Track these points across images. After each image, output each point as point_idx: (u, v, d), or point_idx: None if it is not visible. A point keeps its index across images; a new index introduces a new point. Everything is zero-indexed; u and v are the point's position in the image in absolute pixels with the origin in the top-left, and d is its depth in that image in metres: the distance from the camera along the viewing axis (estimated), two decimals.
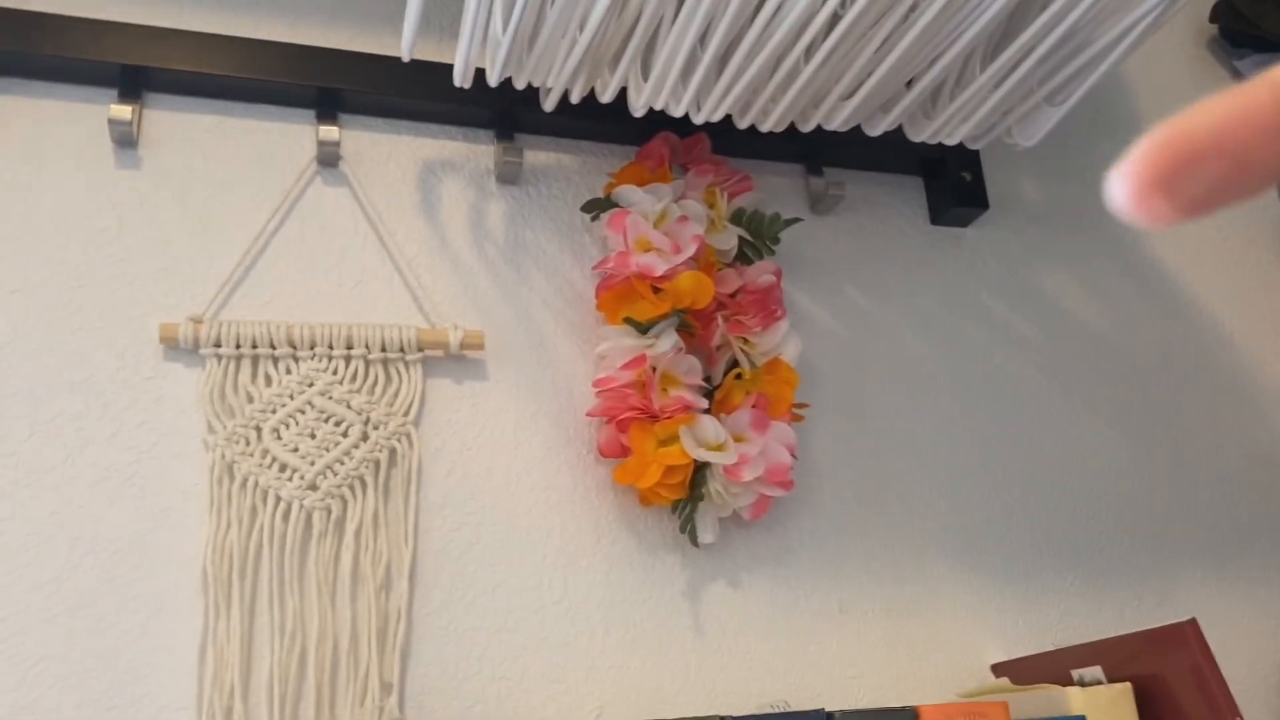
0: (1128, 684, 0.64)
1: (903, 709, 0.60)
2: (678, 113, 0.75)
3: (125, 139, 0.75)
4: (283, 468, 0.70)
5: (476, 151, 0.85)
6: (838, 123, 0.79)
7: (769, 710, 0.72)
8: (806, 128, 0.79)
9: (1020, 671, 0.77)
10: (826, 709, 0.64)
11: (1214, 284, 1.04)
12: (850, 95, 0.76)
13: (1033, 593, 0.85)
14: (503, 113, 0.84)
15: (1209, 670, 0.61)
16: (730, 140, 0.87)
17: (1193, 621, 0.62)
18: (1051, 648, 0.80)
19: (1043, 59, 0.74)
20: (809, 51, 0.71)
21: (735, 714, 0.66)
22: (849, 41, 0.70)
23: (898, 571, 0.82)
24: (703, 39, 0.70)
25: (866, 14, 0.67)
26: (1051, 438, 0.91)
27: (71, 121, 0.76)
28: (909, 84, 0.78)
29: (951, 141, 0.82)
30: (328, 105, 0.81)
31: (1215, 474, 0.95)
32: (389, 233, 0.80)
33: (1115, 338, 0.98)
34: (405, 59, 0.70)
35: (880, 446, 0.86)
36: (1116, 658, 0.68)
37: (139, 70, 0.76)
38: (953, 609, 0.82)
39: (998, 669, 0.80)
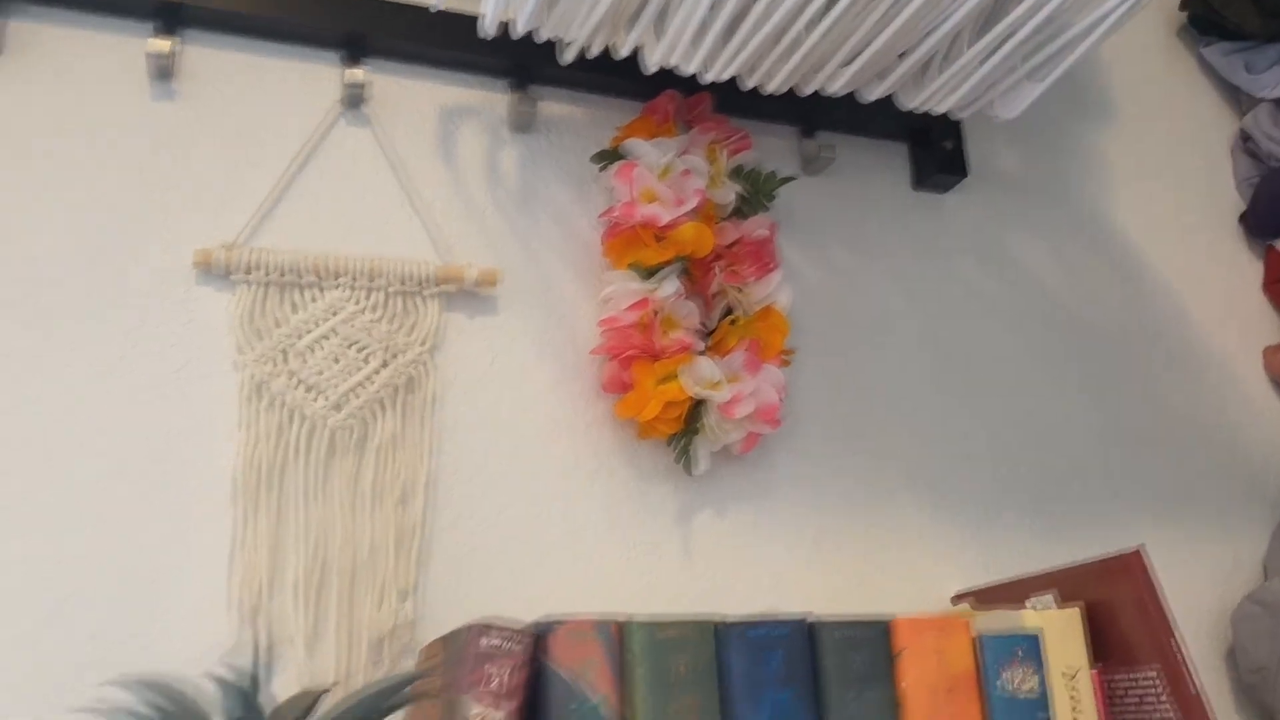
0: (1078, 607, 0.71)
1: (878, 619, 0.67)
2: (688, 72, 0.80)
3: (163, 72, 0.79)
4: (309, 389, 0.74)
5: (491, 100, 0.89)
6: (836, 87, 0.84)
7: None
8: (806, 91, 0.84)
9: (979, 600, 0.84)
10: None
11: (1169, 256, 1.11)
12: (849, 62, 0.81)
13: (993, 531, 0.92)
14: (517, 63, 0.88)
15: (1150, 595, 0.68)
16: (729, 100, 0.92)
17: (1139, 550, 0.69)
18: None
19: (1027, 38, 0.79)
20: (814, 20, 0.76)
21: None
22: (852, 12, 0.75)
23: (870, 507, 0.89)
24: (715, 4, 0.75)
25: None
26: (1014, 391, 0.98)
27: (109, 52, 0.79)
28: (901, 56, 0.83)
29: (939, 110, 0.88)
30: (354, 48, 0.85)
31: (1162, 429, 1.03)
32: (408, 173, 0.84)
33: (1077, 301, 1.05)
34: (434, 8, 0.74)
35: (858, 393, 0.92)
36: (1069, 585, 0.76)
37: (176, 6, 0.79)
38: (919, 543, 0.89)
39: (957, 598, 0.87)
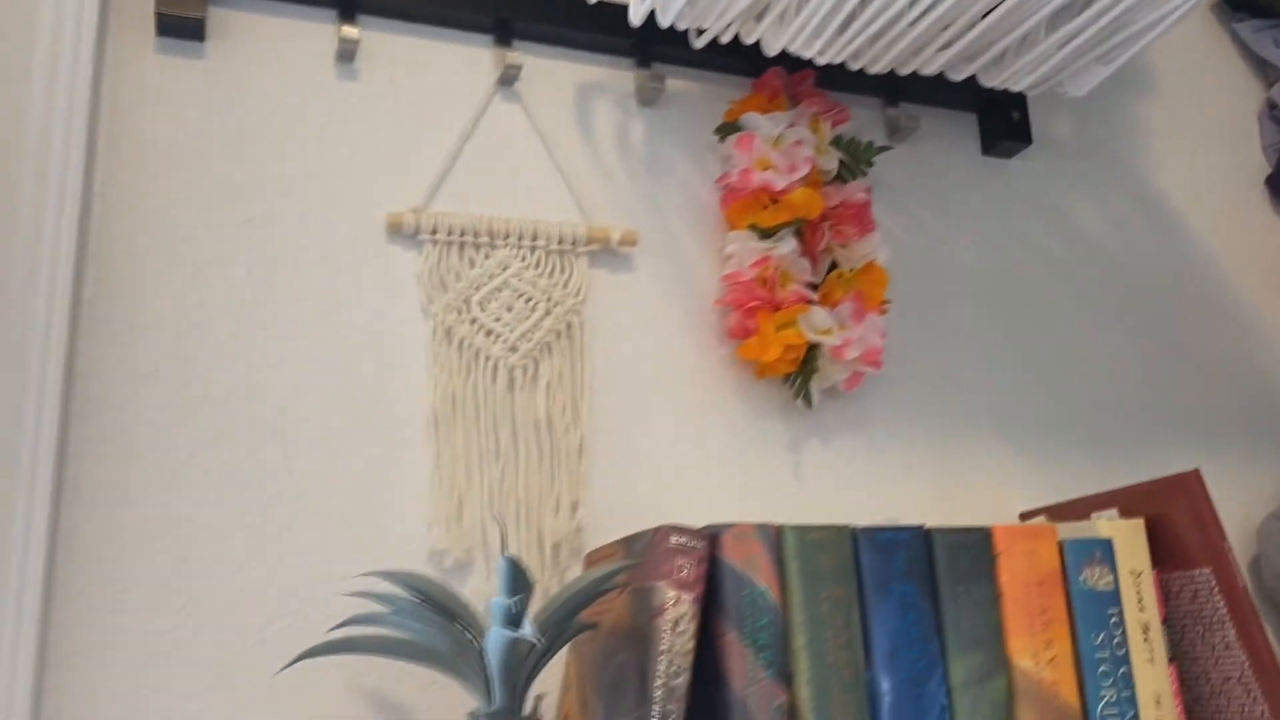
0: (1142, 520, 0.85)
1: (980, 528, 0.80)
2: (807, 56, 0.91)
3: (346, 55, 0.90)
4: (489, 333, 0.87)
5: (619, 77, 1.00)
6: (931, 69, 0.95)
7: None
8: (904, 72, 0.96)
9: (1048, 515, 0.97)
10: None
11: (1203, 214, 1.23)
12: (945, 48, 0.93)
13: (1055, 458, 1.06)
14: (640, 44, 0.99)
15: (1206, 507, 0.82)
16: (821, 73, 1.02)
17: (1196, 471, 0.83)
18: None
19: (1103, 28, 0.91)
20: (923, 13, 0.87)
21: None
22: (958, 8, 0.86)
23: (950, 436, 1.02)
24: (836, 3, 0.86)
25: None
26: (1072, 336, 1.11)
27: (300, 37, 0.90)
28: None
29: (1016, 89, 0.99)
30: (504, 32, 0.95)
31: (1196, 369, 1.17)
32: (554, 144, 0.95)
33: (1124, 255, 1.17)
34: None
35: (937, 338, 1.05)
36: (1127, 502, 0.89)
37: None
38: (991, 468, 1.03)
39: (1025, 515, 1.00)
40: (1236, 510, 1.11)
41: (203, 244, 0.84)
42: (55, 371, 0.76)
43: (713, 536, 0.73)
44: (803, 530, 0.75)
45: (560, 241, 0.91)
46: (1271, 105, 1.29)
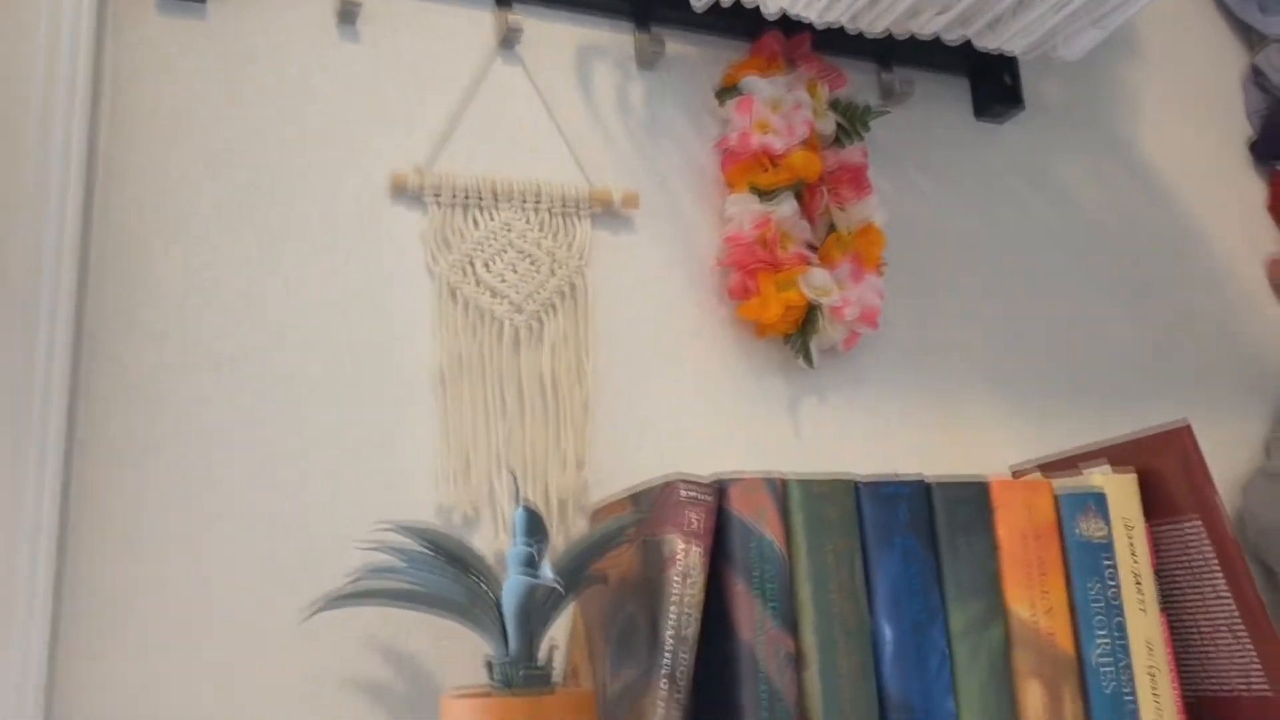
0: (1134, 472, 0.87)
1: (979, 480, 0.82)
2: (807, 18, 0.92)
3: (348, 17, 0.90)
4: (494, 293, 0.88)
5: (617, 40, 1.01)
6: (928, 32, 0.96)
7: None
8: (902, 35, 0.97)
9: (1039, 469, 0.99)
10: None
11: (1188, 178, 1.26)
12: (944, 10, 0.94)
13: (1045, 414, 1.08)
14: (640, 6, 1.00)
15: (1196, 458, 0.84)
16: (816, 36, 1.03)
17: (1187, 423, 0.85)
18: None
19: None
20: None
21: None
22: None
23: (943, 394, 1.04)
24: None
25: None
26: (1061, 295, 1.13)
27: (300, 0, 0.90)
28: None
29: (1011, 52, 1.01)
30: None
31: (1181, 328, 1.19)
32: (555, 106, 0.96)
33: (1110, 217, 1.19)
34: None
35: (931, 299, 1.07)
36: (1117, 455, 0.91)
37: None
38: (984, 425, 1.05)
39: (1016, 469, 1.03)
40: (1220, 466, 1.13)
41: (208, 206, 0.84)
42: (64, 335, 0.76)
43: (721, 489, 0.74)
44: (808, 482, 0.76)
45: (563, 203, 0.91)
46: (1256, 71, 1.31)
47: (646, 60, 1.00)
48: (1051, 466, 0.99)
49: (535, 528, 0.63)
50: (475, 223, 0.89)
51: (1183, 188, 1.25)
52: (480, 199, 0.89)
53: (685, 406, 0.94)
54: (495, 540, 0.84)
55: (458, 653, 0.81)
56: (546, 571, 0.60)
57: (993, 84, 1.14)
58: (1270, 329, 1.24)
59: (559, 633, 0.84)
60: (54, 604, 0.73)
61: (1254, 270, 1.26)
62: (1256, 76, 1.31)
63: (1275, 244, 1.29)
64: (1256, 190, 1.30)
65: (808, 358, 0.96)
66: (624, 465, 0.90)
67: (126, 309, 0.80)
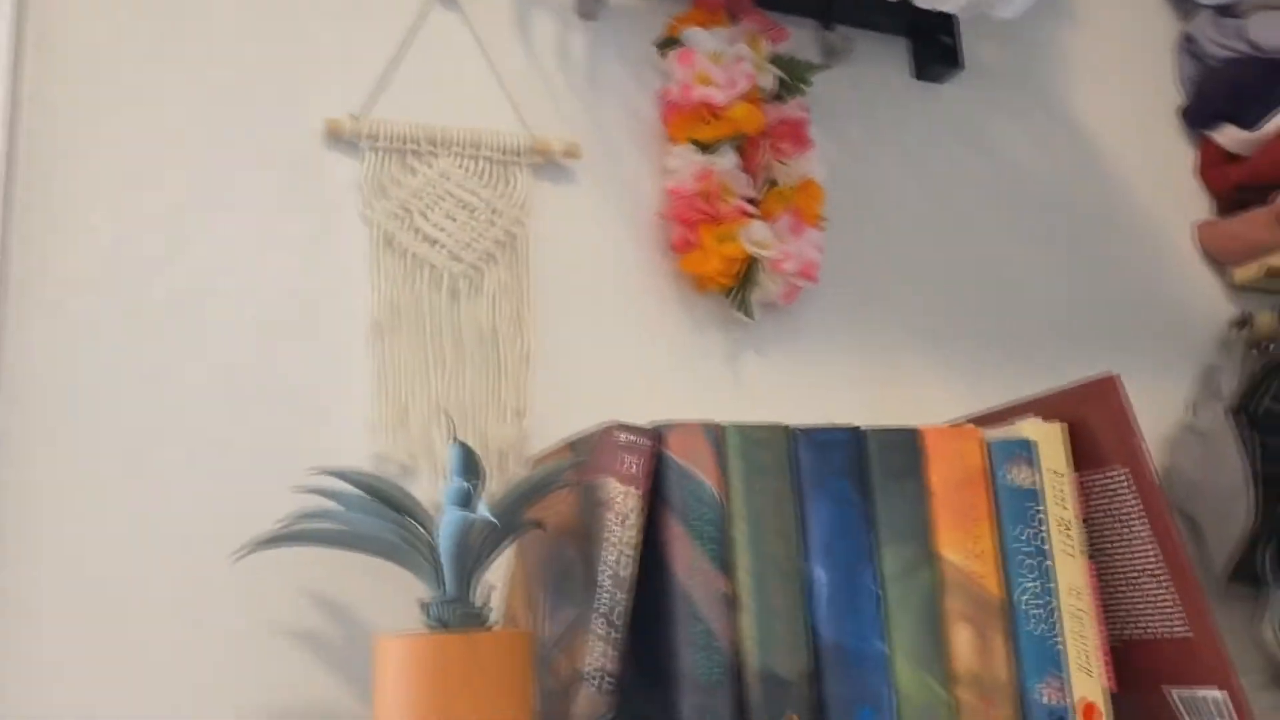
0: (1063, 423, 0.89)
1: (912, 429, 0.83)
2: None
3: None
4: (432, 242, 0.87)
5: None
6: None
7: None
8: None
9: (972, 423, 1.01)
10: None
11: (1121, 142, 1.28)
12: None
13: (980, 369, 1.10)
14: None
15: (1123, 409, 0.86)
16: None
17: (1114, 375, 0.87)
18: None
19: None
20: None
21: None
22: None
23: (881, 348, 1.06)
24: None
25: None
26: (997, 254, 1.15)
27: None
28: None
29: (949, 10, 1.02)
30: None
31: (1113, 288, 1.22)
32: (494, 55, 0.95)
33: (1046, 179, 1.21)
34: None
35: (870, 255, 1.08)
36: (1046, 408, 0.93)
37: None
38: (920, 380, 1.07)
39: (952, 424, 1.04)
40: (1148, 423, 1.16)
41: (138, 149, 0.82)
42: None
43: (659, 434, 0.75)
44: (745, 429, 0.77)
45: (502, 152, 0.91)
46: (1188, 39, 1.33)
47: (588, 10, 0.99)
48: (986, 420, 1.00)
49: (470, 465, 0.63)
50: (413, 171, 0.88)
51: (1115, 151, 1.27)
52: (418, 147, 0.88)
53: (626, 359, 0.94)
54: (434, 492, 0.84)
55: (394, 600, 0.81)
56: (482, 509, 0.60)
57: (932, 45, 1.15)
58: (1197, 291, 1.27)
59: (498, 579, 0.84)
60: None
61: (1182, 234, 1.29)
62: (1189, 44, 1.33)
63: (1204, 209, 1.32)
64: (1187, 155, 1.32)
65: (747, 311, 0.96)
66: (564, 417, 0.90)
67: (55, 252, 0.78)
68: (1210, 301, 1.27)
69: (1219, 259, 1.28)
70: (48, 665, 0.73)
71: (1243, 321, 1.21)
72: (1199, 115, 1.32)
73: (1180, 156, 1.32)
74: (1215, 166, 1.30)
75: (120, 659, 0.74)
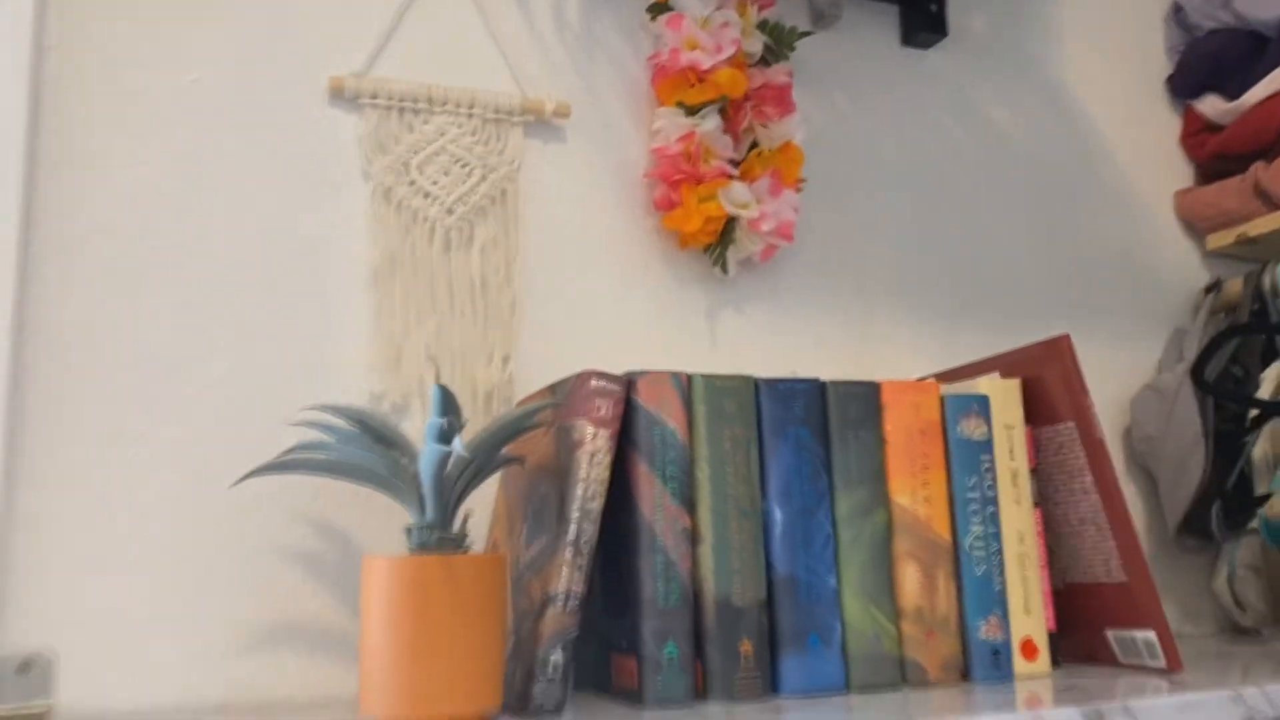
0: (1017, 380, 0.94)
1: (871, 382, 0.89)
2: None
3: None
4: (426, 196, 0.92)
5: None
6: None
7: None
8: None
9: (940, 379, 1.07)
10: None
11: (1106, 110, 1.31)
12: None
13: (952, 330, 1.15)
14: None
15: (1072, 366, 0.91)
16: None
17: (1066, 335, 0.92)
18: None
19: None
20: None
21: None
22: None
23: (857, 308, 1.11)
24: None
25: None
26: (975, 219, 1.20)
27: None
28: None
29: None
30: None
31: (1091, 252, 1.26)
32: (490, 17, 1.00)
33: (1031, 145, 1.25)
34: None
35: (849, 217, 1.13)
36: (1007, 366, 0.98)
37: None
38: (892, 339, 1.12)
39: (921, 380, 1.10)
40: (1116, 386, 1.21)
41: (152, 101, 0.88)
42: (13, 224, 0.81)
43: (630, 381, 0.81)
44: (711, 378, 0.83)
45: (496, 111, 0.96)
46: (1176, 8, 1.36)
47: None
48: (950, 376, 1.06)
49: (449, 405, 0.69)
50: (410, 127, 0.93)
51: (1099, 119, 1.30)
52: (415, 104, 0.93)
53: (608, 310, 1.00)
54: (424, 427, 0.90)
55: (384, 527, 0.88)
56: (457, 444, 0.67)
57: (920, 12, 1.19)
58: (1174, 259, 1.31)
59: (478, 507, 0.91)
60: (7, 475, 0.79)
61: (1164, 201, 1.33)
62: (1177, 13, 1.36)
63: (1186, 177, 1.35)
64: (1171, 124, 1.36)
65: (724, 267, 1.02)
66: (548, 363, 0.96)
67: (74, 200, 0.84)
68: (1187, 268, 1.31)
69: (1195, 226, 1.32)
70: (61, 578, 0.80)
71: (1212, 287, 1.26)
72: (1184, 85, 1.35)
73: (1167, 126, 1.35)
74: (1195, 135, 1.33)
75: (129, 574, 0.82)
